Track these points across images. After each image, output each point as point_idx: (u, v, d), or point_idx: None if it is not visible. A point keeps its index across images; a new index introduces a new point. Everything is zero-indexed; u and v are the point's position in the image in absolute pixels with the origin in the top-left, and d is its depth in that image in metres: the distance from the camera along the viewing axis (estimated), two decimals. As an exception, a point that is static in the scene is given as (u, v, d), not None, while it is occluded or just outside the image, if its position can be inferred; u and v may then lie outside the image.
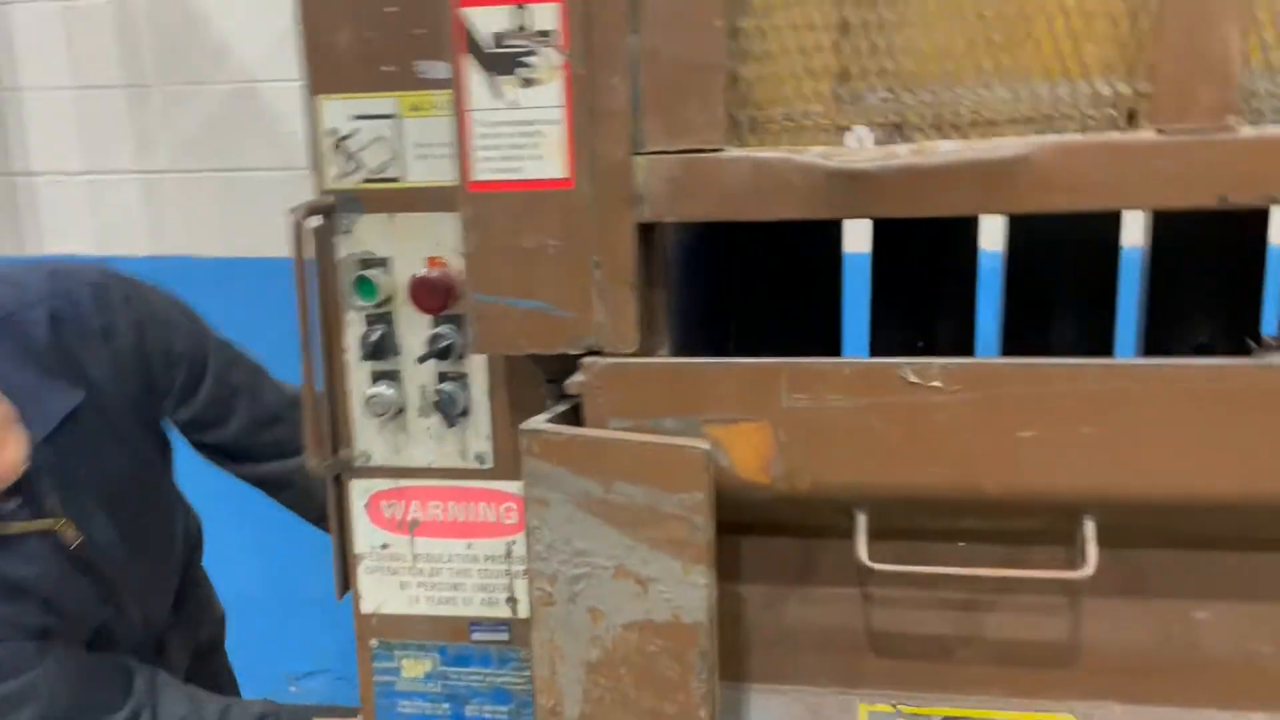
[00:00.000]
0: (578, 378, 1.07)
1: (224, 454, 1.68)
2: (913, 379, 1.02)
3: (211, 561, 1.93)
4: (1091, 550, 1.04)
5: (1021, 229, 1.79)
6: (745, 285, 1.90)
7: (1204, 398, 0.98)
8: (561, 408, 1.09)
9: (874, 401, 1.03)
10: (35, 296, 1.48)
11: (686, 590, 1.02)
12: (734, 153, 1.01)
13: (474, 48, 1.01)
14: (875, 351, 1.88)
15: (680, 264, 1.53)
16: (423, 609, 1.30)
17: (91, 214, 3.53)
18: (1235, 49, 0.92)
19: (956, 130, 1.01)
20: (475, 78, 1.02)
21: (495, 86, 1.02)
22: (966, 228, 1.78)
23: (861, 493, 1.07)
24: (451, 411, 1.22)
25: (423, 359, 1.21)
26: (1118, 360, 1.00)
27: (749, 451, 1.06)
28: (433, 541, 1.29)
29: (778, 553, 1.18)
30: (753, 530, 1.17)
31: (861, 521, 1.08)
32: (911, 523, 1.13)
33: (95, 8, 3.32)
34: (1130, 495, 1.02)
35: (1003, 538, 1.13)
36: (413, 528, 1.29)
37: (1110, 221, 1.75)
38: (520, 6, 1.00)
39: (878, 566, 1.07)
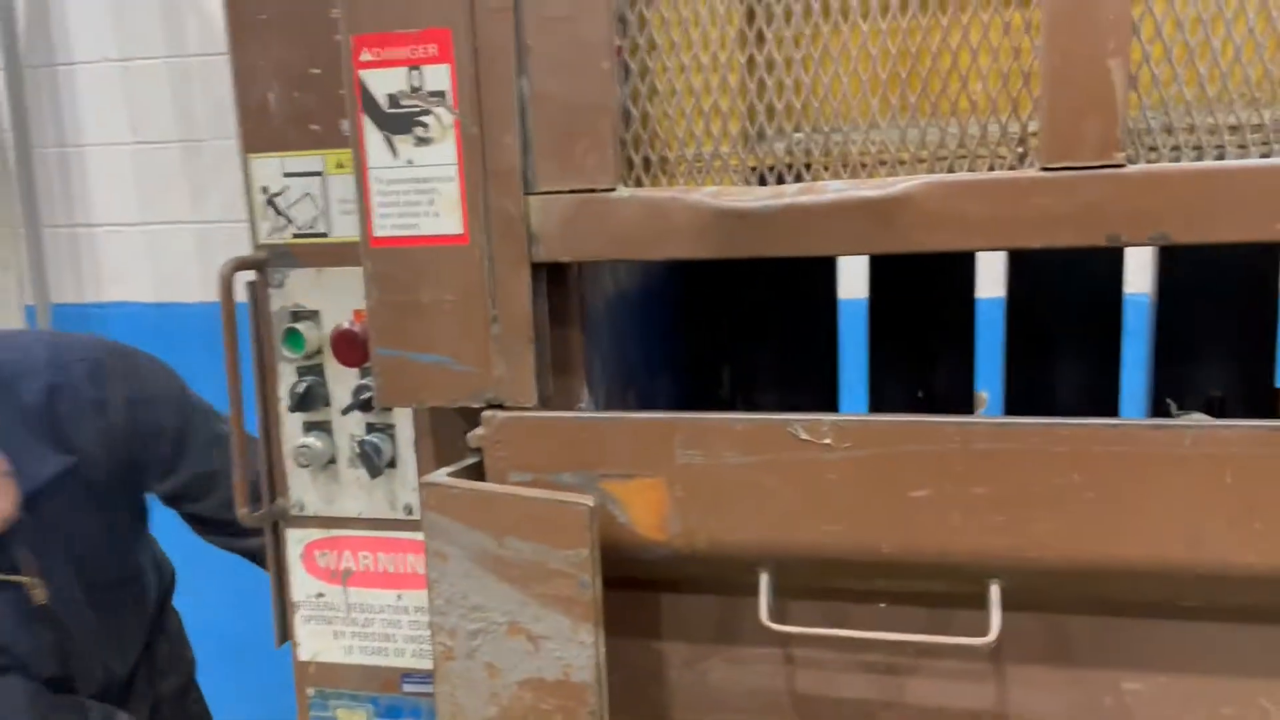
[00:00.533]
0: (478, 431, 1.08)
1: (202, 524, 1.73)
2: (804, 436, 1.01)
3: (185, 604, 1.97)
4: (995, 616, 1.00)
5: (1024, 274, 1.75)
6: (741, 332, 1.89)
7: (1098, 460, 0.94)
8: (469, 461, 1.10)
9: (767, 459, 1.02)
10: (35, 365, 1.56)
11: (575, 648, 1.01)
12: (625, 192, 1.02)
13: (371, 108, 1.04)
14: (875, 401, 1.85)
15: (647, 312, 1.54)
16: (356, 659, 1.31)
17: (149, 262, 3.67)
18: (1119, 86, 0.89)
19: (863, 169, 1.00)
20: (373, 137, 1.04)
21: (392, 145, 1.04)
22: (964, 273, 1.75)
23: (760, 551, 1.05)
24: (377, 463, 1.23)
25: (346, 410, 1.23)
26: (1010, 420, 0.96)
27: (646, 508, 1.05)
28: (365, 591, 1.30)
29: (699, 610, 1.16)
30: (674, 587, 1.16)
31: (764, 581, 1.06)
32: (828, 583, 1.10)
33: (151, 67, 3.48)
34: (1026, 560, 0.98)
35: (924, 599, 1.10)
36: (345, 577, 1.30)
37: (1114, 266, 1.71)
38: (413, 68, 1.02)
39: (776, 628, 1.05)
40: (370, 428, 1.24)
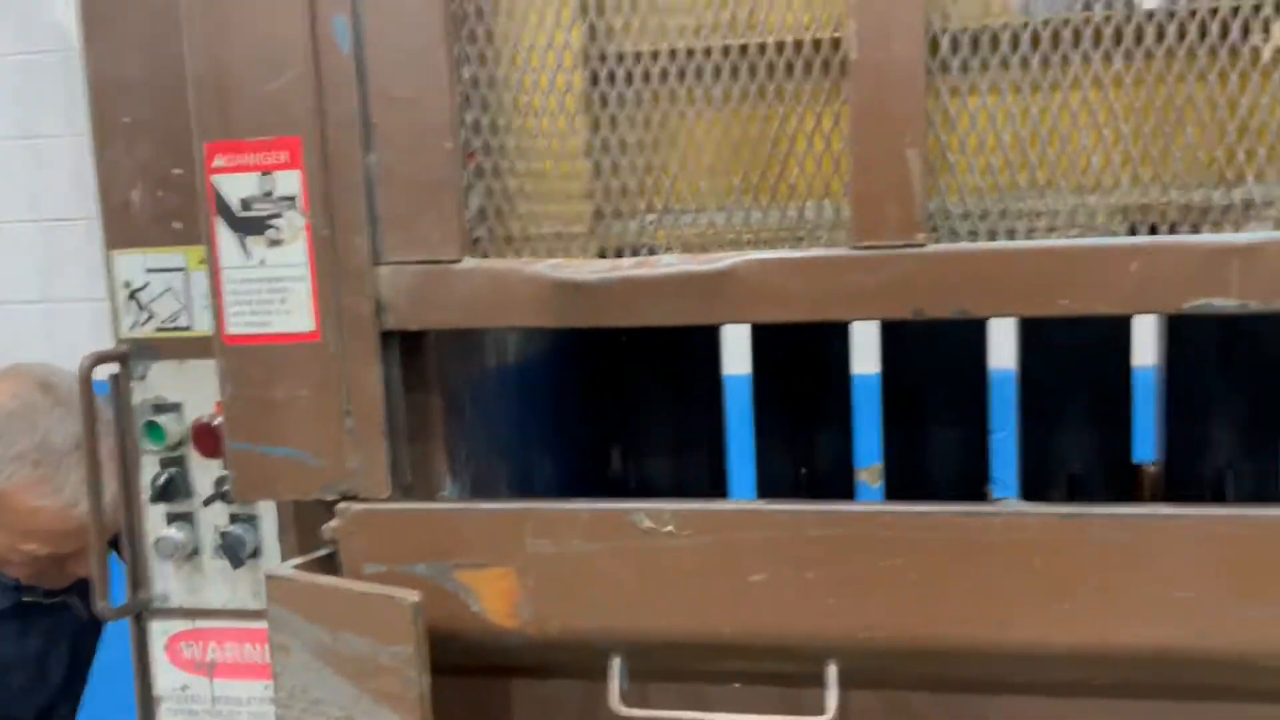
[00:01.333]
0: (332, 524, 1.10)
1: None
2: (647, 524, 1.04)
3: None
4: (831, 696, 1.04)
5: (896, 348, 1.82)
6: (631, 409, 1.93)
7: (918, 545, 0.99)
8: (322, 552, 1.11)
9: (612, 546, 1.05)
10: None
11: None
12: (470, 263, 1.05)
13: (224, 211, 1.07)
14: (761, 477, 1.90)
15: (531, 391, 1.57)
16: (222, 752, 1.30)
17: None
18: (917, 174, 0.96)
19: (701, 249, 1.05)
20: (226, 238, 1.07)
21: (245, 246, 1.07)
22: (840, 349, 1.81)
23: (609, 638, 1.08)
24: (240, 553, 1.24)
25: (208, 501, 1.23)
26: (836, 507, 1.01)
27: (498, 597, 1.07)
28: (232, 683, 1.29)
29: (558, 695, 1.18)
30: (534, 672, 1.18)
31: (615, 666, 1.09)
32: (682, 665, 1.13)
33: (53, 144, 3.47)
34: (858, 641, 1.02)
35: (777, 679, 1.13)
36: (211, 669, 1.30)
37: (979, 340, 1.78)
38: (265, 174, 1.05)
39: (627, 712, 1.07)
40: (234, 518, 1.25)
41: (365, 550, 1.09)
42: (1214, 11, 0.94)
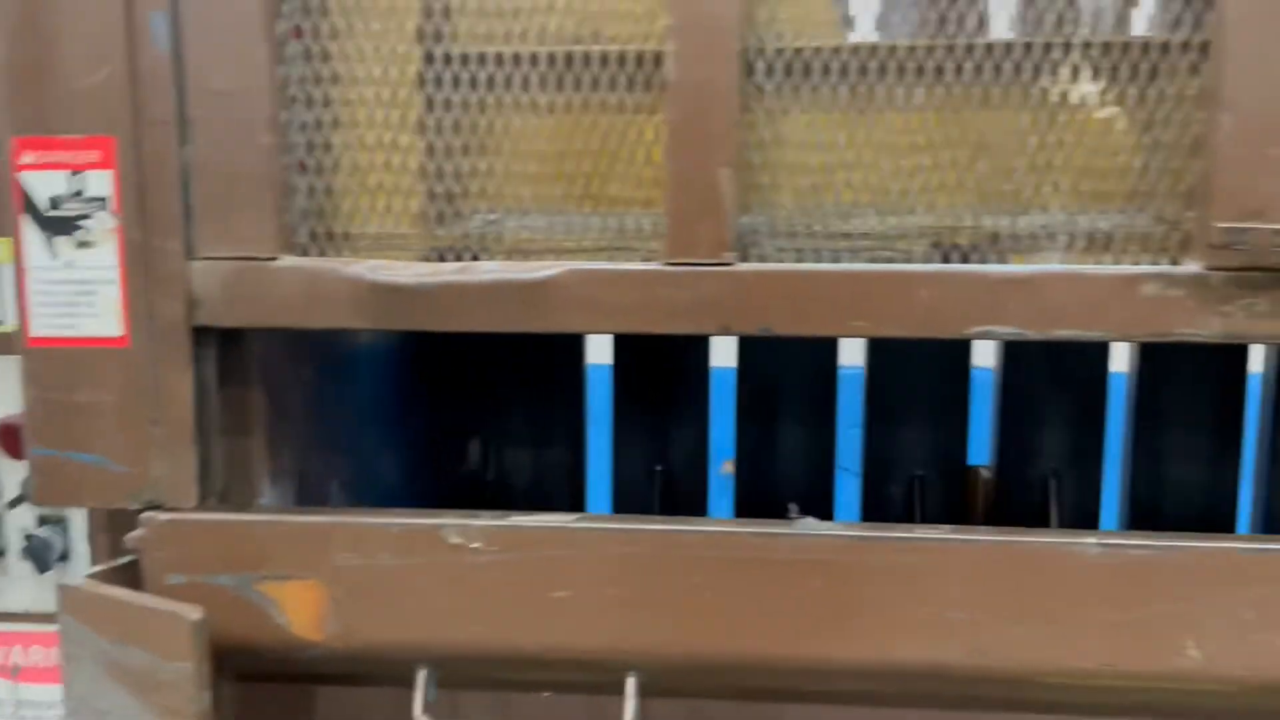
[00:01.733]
0: (135, 533, 1.08)
1: None
2: (455, 540, 1.06)
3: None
4: (629, 706, 1.07)
5: (751, 348, 1.86)
6: (490, 405, 1.94)
7: (712, 563, 1.03)
8: (124, 560, 1.10)
9: (420, 561, 1.06)
10: None
11: None
12: (287, 261, 1.05)
13: (31, 209, 1.04)
14: (618, 469, 1.93)
15: (378, 390, 1.56)
16: (24, 758, 1.27)
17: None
18: (730, 193, 0.99)
19: (526, 256, 1.06)
20: (33, 237, 1.05)
21: (52, 246, 1.05)
22: (700, 346, 1.85)
23: (415, 650, 1.09)
24: (46, 557, 1.21)
25: (13, 504, 1.20)
26: (636, 526, 1.05)
27: (302, 609, 1.07)
28: (35, 687, 1.26)
29: (368, 704, 1.19)
30: (342, 681, 1.18)
31: (421, 677, 1.10)
32: (490, 675, 1.15)
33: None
34: (656, 656, 1.05)
35: (583, 688, 1.16)
36: (15, 672, 1.26)
37: (832, 342, 1.83)
38: (75, 173, 1.03)
39: (429, 722, 1.09)
40: (43, 520, 1.22)
41: (167, 561, 1.07)
42: (1013, 47, 1.00)
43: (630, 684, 1.08)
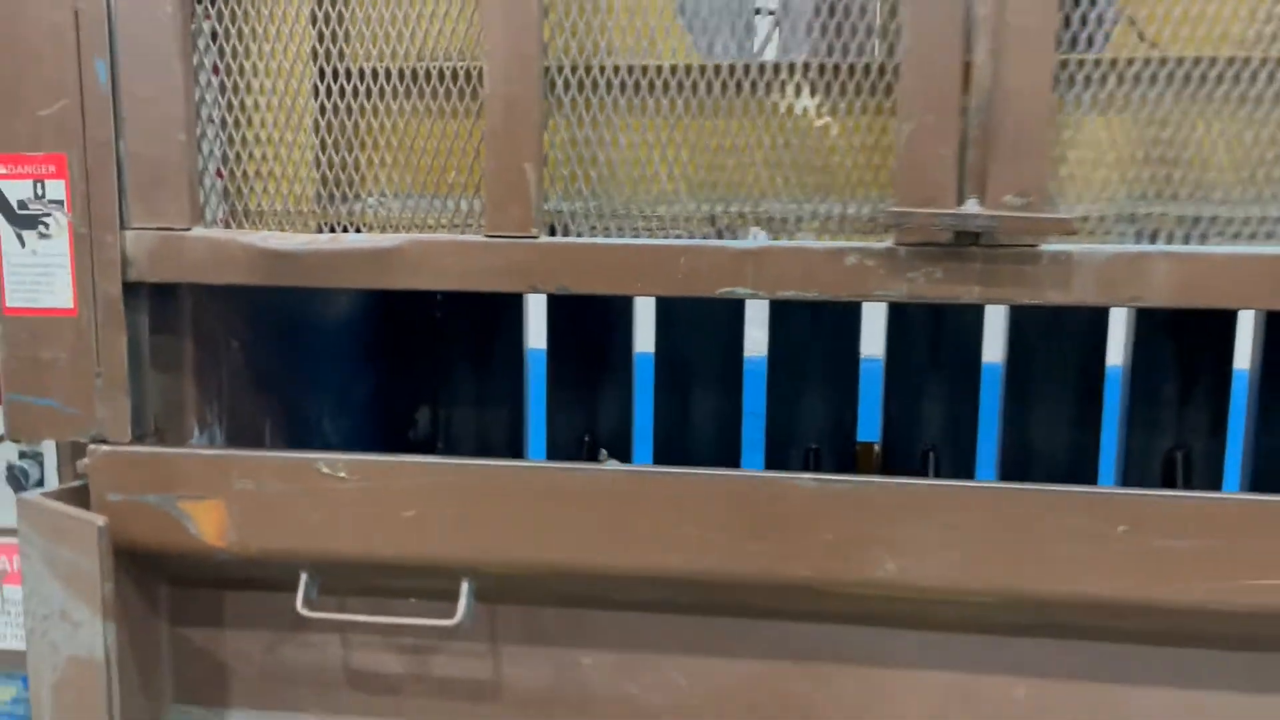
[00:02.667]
0: (83, 461, 1.39)
1: None
2: (324, 470, 1.35)
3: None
4: (462, 604, 1.36)
5: (667, 329, 2.14)
6: (439, 375, 2.23)
7: (528, 492, 1.32)
8: (76, 483, 1.41)
9: (299, 487, 1.36)
10: None
11: (96, 636, 1.32)
12: (198, 232, 1.34)
13: (6, 209, 1.35)
14: (552, 439, 2.22)
15: (329, 355, 1.86)
16: (9, 644, 1.60)
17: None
18: (534, 182, 1.27)
19: (395, 230, 1.35)
20: (7, 231, 1.36)
21: (21, 238, 1.35)
22: (625, 328, 2.13)
23: (297, 557, 1.39)
24: (24, 483, 1.53)
25: (-2, 440, 1.52)
26: (466, 462, 1.34)
27: (210, 523, 1.38)
28: (17, 589, 1.58)
29: (265, 602, 1.49)
30: (245, 585, 1.48)
31: (303, 579, 1.40)
32: (364, 583, 1.45)
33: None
34: (487, 565, 1.35)
35: (438, 595, 1.45)
36: (3, 577, 1.58)
37: (734, 327, 2.10)
38: (38, 182, 1.34)
39: (308, 614, 1.39)
40: (22, 454, 1.54)
41: (108, 484, 1.38)
42: (750, 68, 1.27)
43: (464, 587, 1.37)
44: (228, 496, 1.37)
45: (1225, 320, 1.92)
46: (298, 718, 1.50)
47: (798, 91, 1.26)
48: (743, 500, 1.29)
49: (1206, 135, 1.22)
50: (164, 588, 1.49)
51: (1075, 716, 1.35)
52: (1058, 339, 2.03)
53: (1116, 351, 2.08)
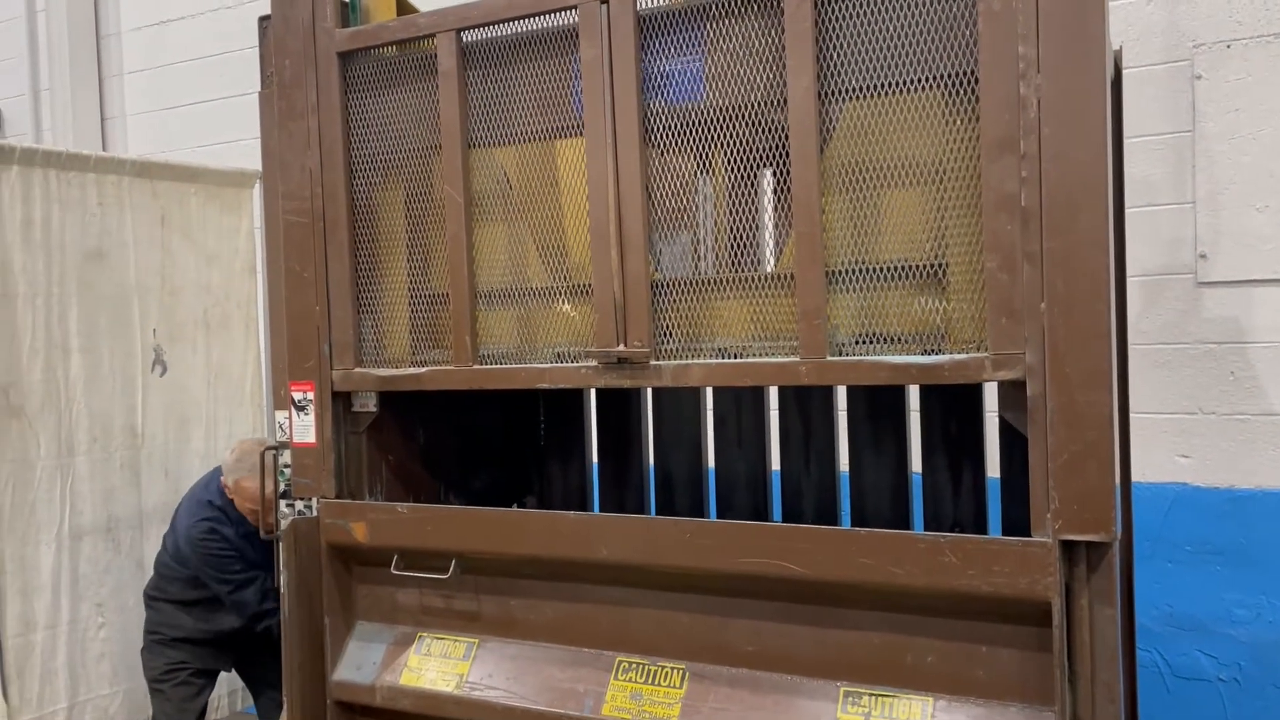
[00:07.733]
0: (314, 503, 3.36)
1: None
2: (401, 511, 3.23)
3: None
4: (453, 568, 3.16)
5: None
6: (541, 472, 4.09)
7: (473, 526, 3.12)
8: (313, 514, 3.37)
9: (392, 518, 3.24)
10: None
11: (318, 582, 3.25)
12: (356, 370, 3.29)
13: (293, 403, 3.37)
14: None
15: None
16: (296, 589, 3.59)
17: None
18: None
19: None
20: (295, 414, 3.38)
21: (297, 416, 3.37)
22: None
23: (397, 549, 3.27)
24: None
25: (281, 495, 3.54)
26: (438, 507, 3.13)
27: (359, 531, 3.28)
28: (300, 563, 3.58)
29: (387, 573, 3.38)
30: (383, 562, 3.38)
31: (395, 559, 3.28)
32: (429, 563, 3.30)
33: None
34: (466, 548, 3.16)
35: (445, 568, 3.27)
36: (294, 558, 3.59)
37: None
38: (306, 392, 3.35)
39: (398, 573, 3.26)
40: (306, 504, 3.55)
41: (326, 514, 3.34)
42: None
43: (452, 565, 3.17)
44: (366, 521, 3.27)
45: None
46: (402, 628, 3.34)
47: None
48: (572, 528, 3.01)
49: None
50: (353, 565, 3.40)
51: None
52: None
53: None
